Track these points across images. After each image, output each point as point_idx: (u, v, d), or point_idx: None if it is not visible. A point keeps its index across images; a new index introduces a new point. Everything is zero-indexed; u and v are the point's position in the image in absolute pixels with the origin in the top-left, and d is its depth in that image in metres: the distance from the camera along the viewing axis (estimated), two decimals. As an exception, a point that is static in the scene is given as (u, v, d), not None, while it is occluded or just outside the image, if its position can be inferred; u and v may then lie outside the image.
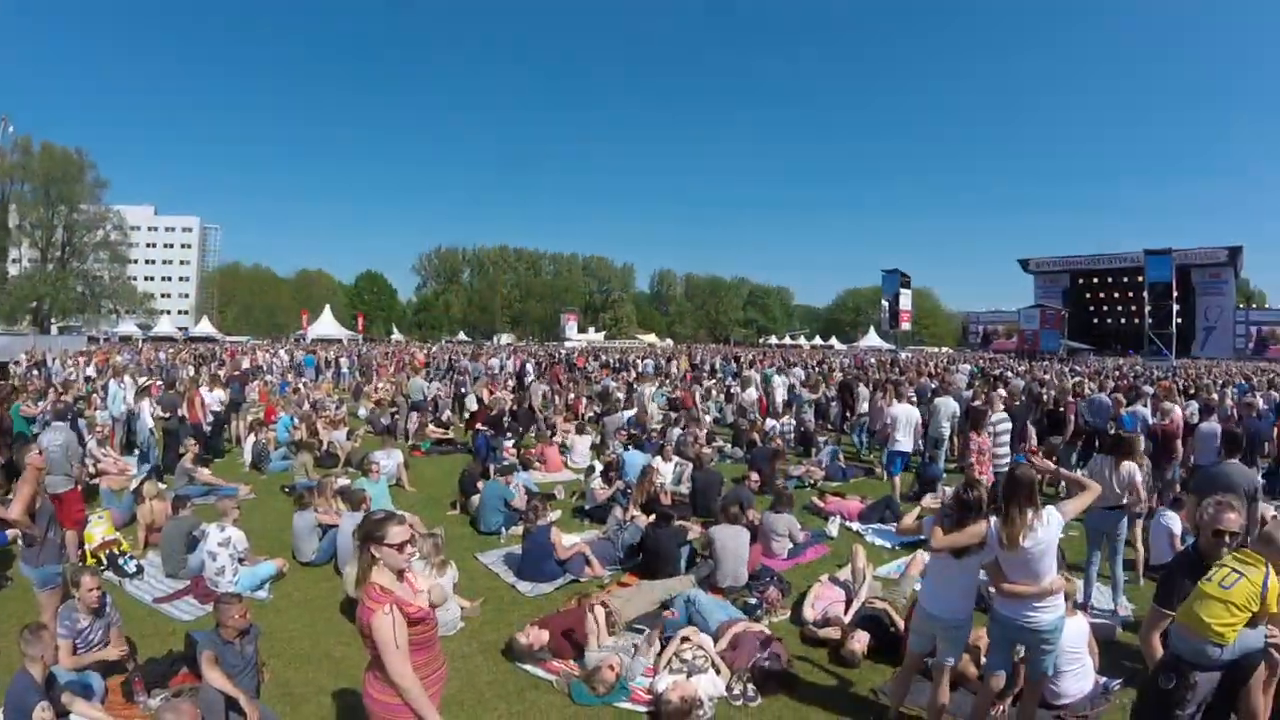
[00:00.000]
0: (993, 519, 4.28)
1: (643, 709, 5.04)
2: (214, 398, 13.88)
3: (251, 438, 13.33)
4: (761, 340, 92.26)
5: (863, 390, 16.58)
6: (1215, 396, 14.76)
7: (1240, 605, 2.96)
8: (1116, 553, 6.92)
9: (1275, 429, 11.82)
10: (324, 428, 14.36)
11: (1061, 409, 12.83)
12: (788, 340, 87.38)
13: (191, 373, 22.70)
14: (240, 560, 7.05)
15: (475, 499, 9.63)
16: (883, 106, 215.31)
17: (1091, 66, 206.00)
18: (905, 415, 11.18)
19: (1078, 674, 5.23)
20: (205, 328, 64.77)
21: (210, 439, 13.39)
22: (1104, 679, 5.47)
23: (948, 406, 12.13)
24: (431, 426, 16.56)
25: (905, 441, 11.04)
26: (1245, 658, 3.01)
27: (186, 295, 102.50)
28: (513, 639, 5.76)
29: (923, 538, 4.85)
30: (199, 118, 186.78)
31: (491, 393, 18.69)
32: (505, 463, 10.83)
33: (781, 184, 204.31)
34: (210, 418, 13.49)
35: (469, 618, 6.48)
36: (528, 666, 5.61)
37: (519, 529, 8.55)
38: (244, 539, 7.15)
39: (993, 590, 4.59)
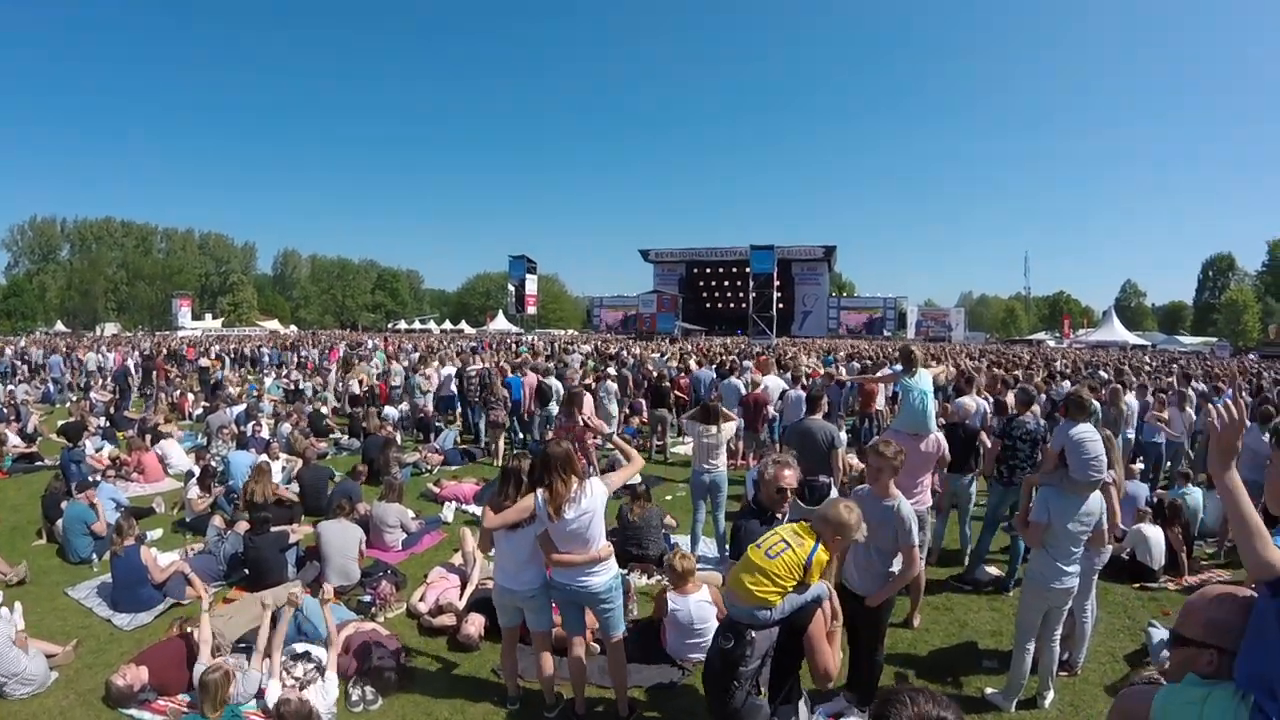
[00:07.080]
0: (539, 491, 4.49)
1: None
2: None
3: None
4: (390, 325, 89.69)
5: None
6: (805, 370, 17.00)
7: (782, 575, 3.40)
8: (719, 507, 7.90)
9: (858, 394, 14.36)
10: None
11: (666, 384, 14.03)
12: (417, 325, 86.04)
13: None
14: None
15: (61, 524, 8.53)
16: (511, 97, 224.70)
17: (718, 73, 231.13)
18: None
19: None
20: None
21: None
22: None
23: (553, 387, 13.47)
24: (14, 439, 13.95)
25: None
26: (796, 613, 3.44)
27: None
28: (109, 682, 5.20)
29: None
30: None
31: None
32: (86, 478, 9.64)
33: (408, 164, 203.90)
34: None
35: (62, 665, 5.76)
36: (132, 711, 5.11)
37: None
38: None
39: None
